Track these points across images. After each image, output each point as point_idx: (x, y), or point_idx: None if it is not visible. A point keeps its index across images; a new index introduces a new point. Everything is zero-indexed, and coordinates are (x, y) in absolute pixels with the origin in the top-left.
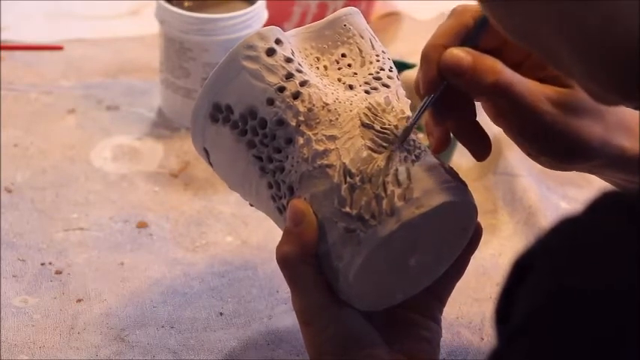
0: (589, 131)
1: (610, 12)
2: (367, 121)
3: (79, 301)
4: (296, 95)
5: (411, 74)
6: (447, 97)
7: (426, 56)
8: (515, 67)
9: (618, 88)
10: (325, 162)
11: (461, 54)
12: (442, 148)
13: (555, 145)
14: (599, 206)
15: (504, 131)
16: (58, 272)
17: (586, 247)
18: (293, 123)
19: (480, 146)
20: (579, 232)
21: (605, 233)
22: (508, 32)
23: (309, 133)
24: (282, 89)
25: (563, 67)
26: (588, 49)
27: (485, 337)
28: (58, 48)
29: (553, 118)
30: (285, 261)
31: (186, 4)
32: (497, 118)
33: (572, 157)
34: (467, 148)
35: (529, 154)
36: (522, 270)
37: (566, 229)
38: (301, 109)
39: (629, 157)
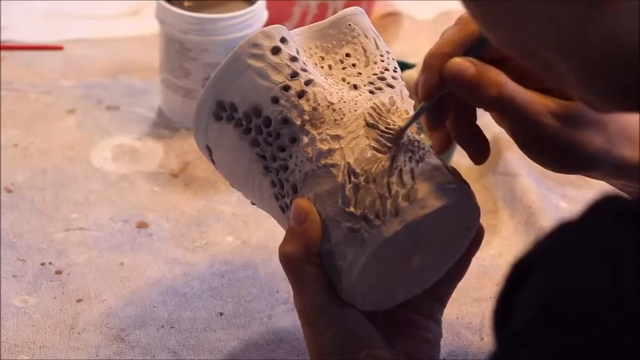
0: (591, 143)
1: (610, 28)
2: (372, 121)
3: (79, 301)
4: (301, 94)
5: (412, 74)
6: (449, 99)
7: (428, 63)
8: (521, 76)
9: (617, 101)
10: (329, 161)
11: (465, 64)
12: (444, 150)
13: (557, 157)
14: (597, 210)
15: (517, 144)
16: (58, 272)
17: (584, 250)
18: (298, 122)
19: (479, 150)
20: (578, 235)
21: (604, 237)
22: (498, 42)
23: (314, 132)
24: (287, 88)
25: (557, 79)
26: (587, 64)
27: (485, 337)
28: (58, 48)
29: (554, 131)
30: (288, 260)
31: (186, 4)
32: (500, 123)
33: (574, 168)
34: (465, 151)
35: (538, 163)
36: (521, 274)
37: (565, 233)
38: (306, 108)
39: (630, 165)
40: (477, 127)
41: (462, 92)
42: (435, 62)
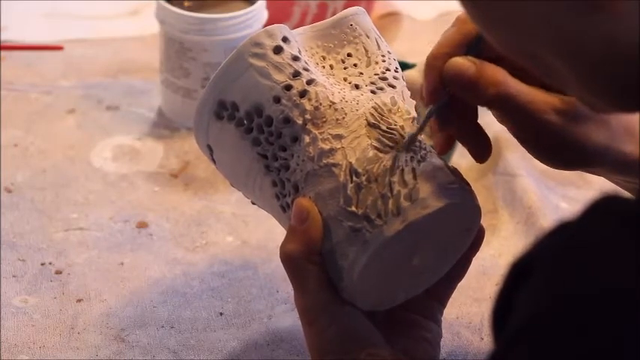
0: (594, 139)
1: (609, 29)
2: (373, 121)
3: (79, 301)
4: (303, 93)
5: (412, 74)
6: (455, 100)
7: (429, 65)
8: (523, 72)
9: (617, 102)
10: (331, 161)
11: (464, 64)
12: (445, 150)
13: (559, 153)
14: (597, 210)
15: (519, 142)
16: (58, 272)
17: (584, 250)
18: (299, 121)
19: (481, 148)
20: (577, 235)
21: (603, 237)
22: (496, 43)
23: (316, 131)
24: (288, 87)
25: (557, 79)
26: (586, 65)
27: (485, 337)
28: (58, 48)
29: (557, 128)
30: (290, 259)
31: (186, 4)
32: (502, 120)
33: (576, 164)
34: (467, 149)
35: (540, 160)
36: (520, 273)
37: (564, 233)
38: (308, 107)
39: (631, 161)
40: (478, 125)
41: (462, 92)
42: (436, 64)
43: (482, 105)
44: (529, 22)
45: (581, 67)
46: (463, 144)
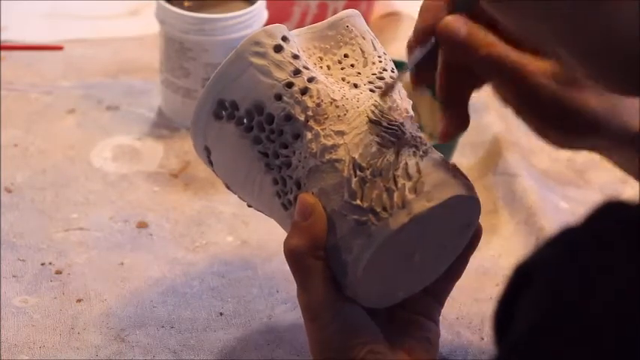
0: (593, 104)
1: (610, 17)
2: (375, 118)
3: (79, 301)
4: (304, 91)
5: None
6: (437, 54)
7: (425, 7)
8: (514, 42)
9: (617, 88)
10: (334, 156)
11: (455, 25)
12: (461, 128)
13: (555, 121)
14: (599, 216)
15: (514, 112)
16: (58, 272)
17: (587, 256)
18: (301, 118)
19: (460, 118)
20: (580, 241)
21: (606, 243)
22: (509, 27)
23: (318, 128)
24: (290, 85)
25: (566, 63)
26: (587, 51)
27: (485, 337)
28: (58, 48)
29: (551, 92)
30: (294, 254)
31: (186, 4)
32: (497, 90)
33: (575, 135)
34: (446, 116)
35: (538, 131)
36: (522, 278)
37: (567, 239)
38: (309, 104)
39: (632, 134)
40: (467, 94)
41: (454, 51)
42: (429, 11)
43: (474, 66)
44: (533, 14)
45: (581, 50)
46: (445, 108)
